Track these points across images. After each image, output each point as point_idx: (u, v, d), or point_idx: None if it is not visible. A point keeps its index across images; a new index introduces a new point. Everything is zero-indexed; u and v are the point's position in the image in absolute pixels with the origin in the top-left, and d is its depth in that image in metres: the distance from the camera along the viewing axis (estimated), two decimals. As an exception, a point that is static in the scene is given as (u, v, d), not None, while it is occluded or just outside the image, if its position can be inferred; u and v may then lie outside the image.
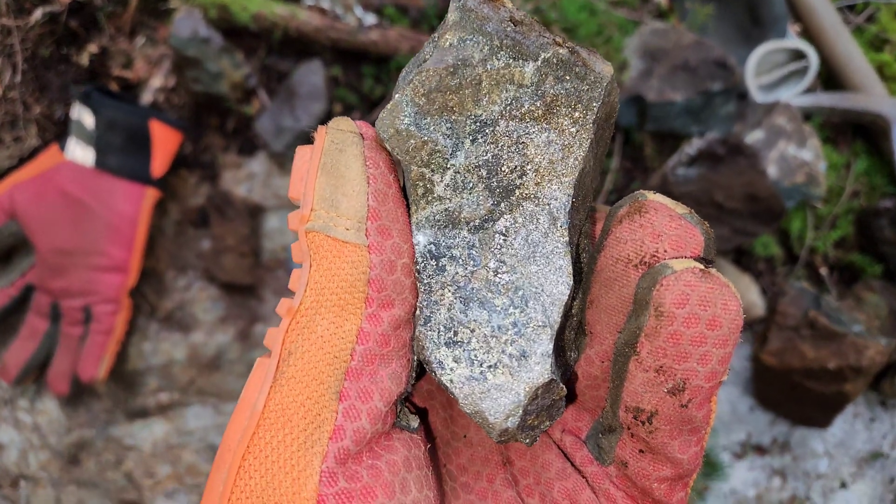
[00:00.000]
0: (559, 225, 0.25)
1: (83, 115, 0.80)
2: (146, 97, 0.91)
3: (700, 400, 0.23)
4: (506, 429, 0.24)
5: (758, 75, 1.01)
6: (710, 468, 0.82)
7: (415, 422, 0.27)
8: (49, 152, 0.83)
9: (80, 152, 0.80)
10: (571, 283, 0.25)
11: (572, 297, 0.26)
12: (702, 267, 0.22)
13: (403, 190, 0.27)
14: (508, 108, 0.24)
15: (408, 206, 0.26)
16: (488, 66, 0.24)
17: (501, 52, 0.24)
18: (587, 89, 0.25)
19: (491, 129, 0.25)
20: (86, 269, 0.79)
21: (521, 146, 0.25)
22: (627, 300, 0.24)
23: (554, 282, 0.25)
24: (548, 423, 0.26)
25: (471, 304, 0.25)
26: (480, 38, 0.24)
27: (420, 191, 0.26)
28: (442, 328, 0.25)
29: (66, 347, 0.81)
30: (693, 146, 0.83)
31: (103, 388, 0.86)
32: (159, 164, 0.81)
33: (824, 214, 0.98)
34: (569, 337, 0.28)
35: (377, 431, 0.24)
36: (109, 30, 0.97)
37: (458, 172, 0.25)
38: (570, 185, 0.25)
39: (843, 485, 0.90)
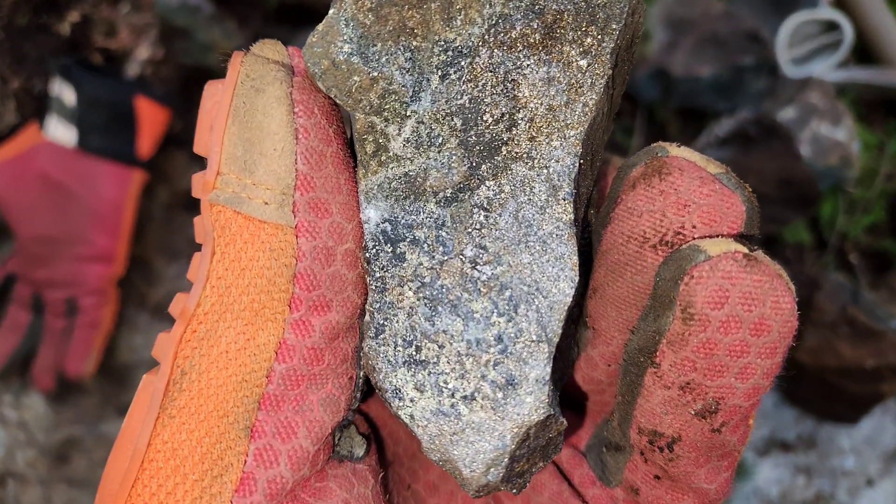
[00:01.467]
0: (561, 197, 0.19)
1: (64, 92, 0.74)
2: (132, 70, 0.84)
3: (737, 422, 0.18)
4: (485, 484, 0.18)
5: (789, 48, 0.94)
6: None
7: (360, 448, 0.21)
8: (28, 131, 0.76)
9: (61, 132, 0.74)
10: (577, 278, 0.19)
11: (578, 298, 0.20)
12: (745, 251, 0.17)
13: (351, 145, 0.20)
14: (493, 30, 0.18)
15: (356, 169, 0.20)
16: None
17: None
18: (604, 3, 0.18)
19: (468, 60, 0.18)
20: (69, 259, 0.74)
21: (509, 86, 0.18)
22: (642, 291, 0.19)
23: (553, 277, 0.19)
24: (541, 464, 0.20)
25: (439, 309, 0.19)
26: None
27: (370, 147, 0.19)
28: (400, 342, 0.19)
29: (50, 341, 0.76)
30: (723, 127, 0.76)
31: (92, 383, 0.81)
32: (146, 144, 0.75)
33: (857, 198, 0.92)
34: (568, 332, 0.22)
35: (303, 477, 0.19)
36: (91, -4, 0.90)
37: (423, 122, 0.19)
38: (578, 140, 0.19)
39: (870, 482, 0.86)
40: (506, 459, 0.18)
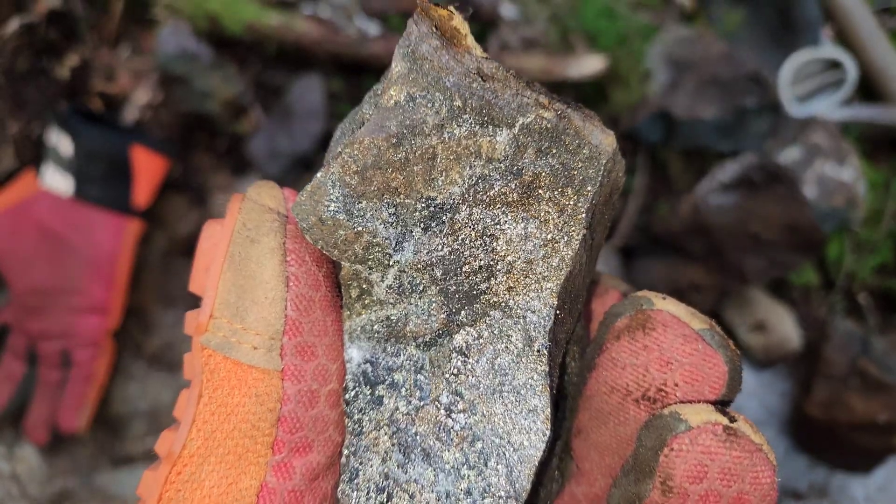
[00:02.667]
0: (536, 349, 0.19)
1: (61, 142, 0.73)
2: (131, 114, 0.84)
3: None
4: None
5: (791, 86, 0.93)
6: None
7: None
8: (25, 180, 0.76)
9: (58, 181, 0.73)
10: (549, 433, 0.19)
11: (549, 452, 0.21)
12: (726, 422, 0.17)
13: (339, 285, 0.21)
14: (473, 189, 0.19)
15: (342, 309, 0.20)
16: (446, 135, 0.18)
17: (465, 116, 0.18)
18: (581, 167, 0.19)
19: (449, 215, 0.19)
20: (64, 310, 0.72)
21: (488, 240, 0.19)
22: (624, 441, 0.19)
23: (525, 430, 0.19)
24: None
25: (412, 456, 0.19)
26: (437, 95, 0.18)
27: (354, 292, 0.20)
28: (372, 487, 0.19)
29: (43, 393, 0.74)
30: (727, 172, 0.75)
31: (86, 434, 0.79)
32: (143, 193, 0.75)
33: (864, 238, 0.91)
34: (551, 465, 0.22)
35: None
36: (91, 40, 0.90)
37: (405, 271, 0.20)
38: (553, 293, 0.19)
39: (885, 533, 0.84)
40: None
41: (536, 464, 0.19)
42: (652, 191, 0.91)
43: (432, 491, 0.19)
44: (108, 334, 0.74)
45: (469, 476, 0.19)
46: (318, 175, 0.19)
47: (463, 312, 0.19)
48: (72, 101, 0.84)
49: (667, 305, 0.19)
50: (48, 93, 0.87)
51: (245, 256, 0.19)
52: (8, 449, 0.80)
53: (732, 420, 0.17)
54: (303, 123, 0.79)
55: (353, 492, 0.19)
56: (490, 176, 0.19)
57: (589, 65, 0.83)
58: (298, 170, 0.80)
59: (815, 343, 0.77)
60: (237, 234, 0.19)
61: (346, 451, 0.20)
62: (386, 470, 0.19)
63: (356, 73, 0.86)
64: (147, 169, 0.74)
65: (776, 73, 0.92)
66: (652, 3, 0.96)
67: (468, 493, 0.18)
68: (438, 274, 0.19)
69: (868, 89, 0.97)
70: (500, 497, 0.18)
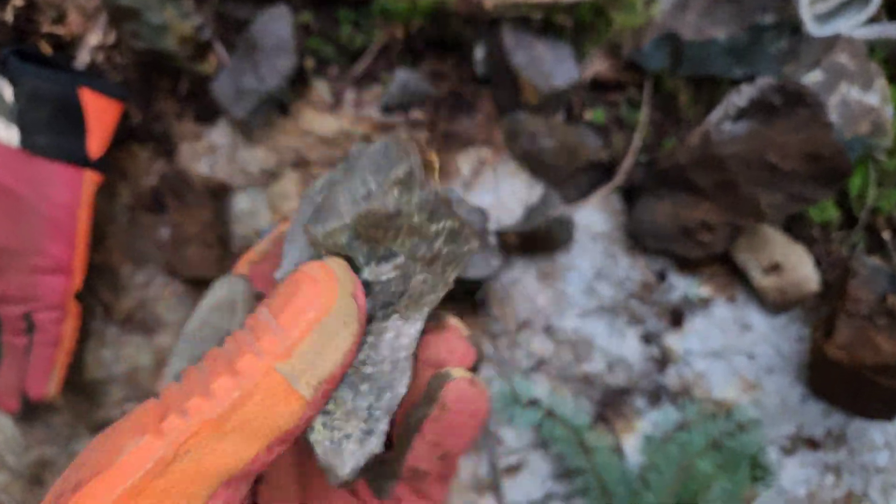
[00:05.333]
0: (411, 342, 0.32)
1: (2, 88, 0.66)
2: (83, 57, 0.76)
3: (455, 462, 0.32)
4: (346, 480, 0.30)
5: (812, 3, 0.84)
6: (759, 471, 0.72)
7: None
8: (-32, 131, 0.69)
9: (2, 131, 0.67)
10: (410, 383, 0.32)
11: (407, 391, 0.34)
12: (471, 377, 0.31)
13: None
14: (410, 250, 0.30)
15: None
16: (414, 220, 0.30)
17: (423, 213, 0.30)
18: (461, 254, 0.32)
19: (393, 260, 0.31)
20: (22, 271, 0.67)
21: (406, 278, 0.31)
22: (421, 390, 0.33)
23: (399, 382, 0.31)
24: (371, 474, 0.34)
25: (343, 385, 0.30)
26: (414, 198, 0.30)
27: None
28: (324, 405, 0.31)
29: (10, 360, 0.70)
30: (742, 95, 0.68)
31: (61, 401, 0.75)
32: (97, 141, 0.68)
33: (889, 169, 0.84)
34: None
35: None
36: (38, -24, 0.81)
37: (366, 282, 0.31)
38: (426, 314, 0.32)
39: (906, 479, 0.79)
40: (358, 470, 0.30)
41: (401, 399, 0.31)
42: (657, 125, 0.83)
43: (351, 404, 0.30)
44: (71, 295, 0.69)
45: (370, 399, 0.30)
46: (347, 220, 0.29)
47: (380, 313, 0.31)
48: (17, 44, 0.76)
49: (453, 321, 0.35)
50: (-7, 36, 0.80)
51: (333, 334, 0.27)
52: (-20, 419, 0.76)
53: (474, 375, 0.31)
54: (270, 59, 0.71)
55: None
56: (420, 245, 0.31)
57: (586, -18, 0.74)
58: (267, 109, 0.73)
59: (836, 283, 0.71)
60: (335, 314, 0.27)
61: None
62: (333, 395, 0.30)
63: (328, 4, 0.77)
64: (99, 114, 0.67)
65: (795, -12, 0.83)
66: (657, -88, 0.86)
67: (369, 408, 0.30)
68: (377, 290, 0.31)
69: (894, 8, 0.87)
70: (383, 412, 0.30)
